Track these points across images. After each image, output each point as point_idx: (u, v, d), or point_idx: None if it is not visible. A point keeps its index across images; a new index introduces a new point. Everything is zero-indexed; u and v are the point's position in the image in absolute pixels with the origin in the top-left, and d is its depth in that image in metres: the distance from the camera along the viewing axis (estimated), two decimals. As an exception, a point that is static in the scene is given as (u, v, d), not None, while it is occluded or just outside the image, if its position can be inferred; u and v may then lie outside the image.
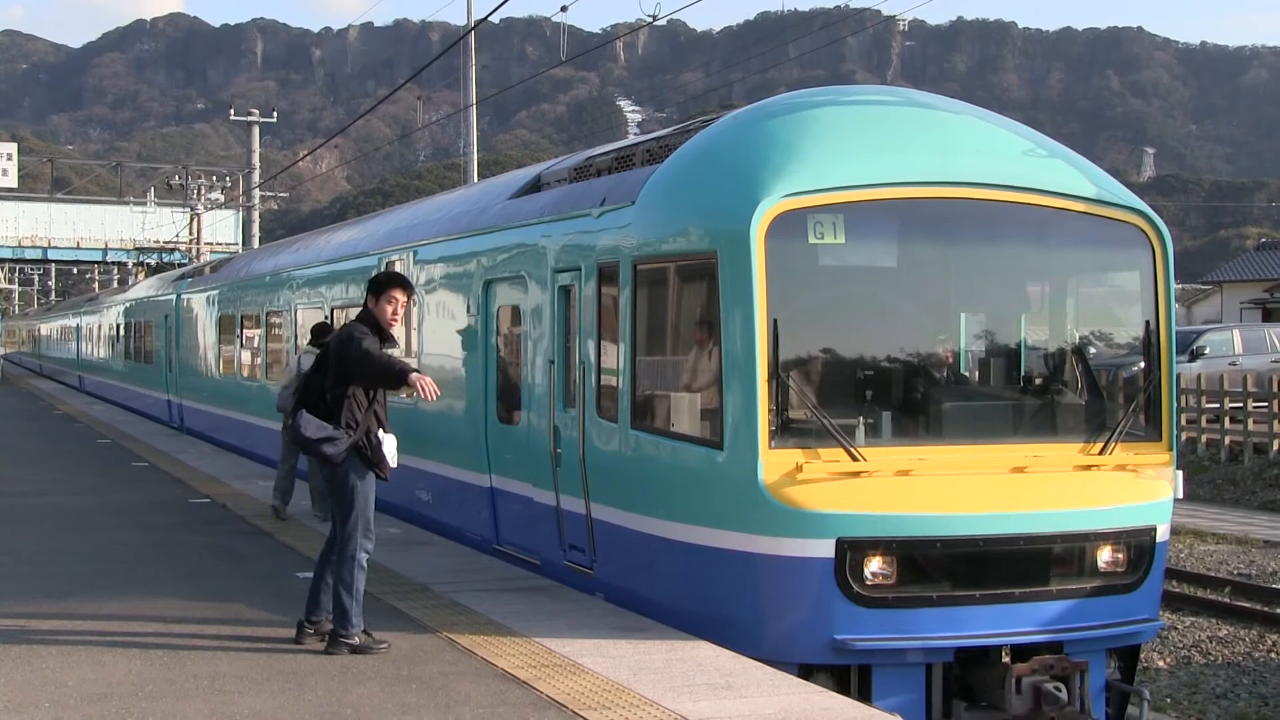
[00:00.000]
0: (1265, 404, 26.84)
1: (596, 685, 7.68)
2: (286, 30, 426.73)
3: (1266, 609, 15.98)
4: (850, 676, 8.49)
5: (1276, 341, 33.08)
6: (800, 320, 8.75)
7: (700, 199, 9.17)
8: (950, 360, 9.51)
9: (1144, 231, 9.35)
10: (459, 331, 12.81)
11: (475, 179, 30.20)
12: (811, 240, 8.65)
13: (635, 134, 26.08)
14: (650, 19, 18.14)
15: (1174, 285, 9.41)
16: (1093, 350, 9.71)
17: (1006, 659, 8.65)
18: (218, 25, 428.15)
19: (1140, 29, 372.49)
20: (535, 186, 12.24)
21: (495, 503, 11.91)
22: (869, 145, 9.06)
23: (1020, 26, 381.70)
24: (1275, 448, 26.35)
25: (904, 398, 8.96)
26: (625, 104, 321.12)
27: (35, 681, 7.81)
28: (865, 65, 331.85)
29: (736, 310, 8.54)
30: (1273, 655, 14.41)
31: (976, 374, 9.54)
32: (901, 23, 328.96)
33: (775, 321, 8.45)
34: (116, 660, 8.30)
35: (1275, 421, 26.45)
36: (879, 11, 30.57)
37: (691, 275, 9.24)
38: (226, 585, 10.88)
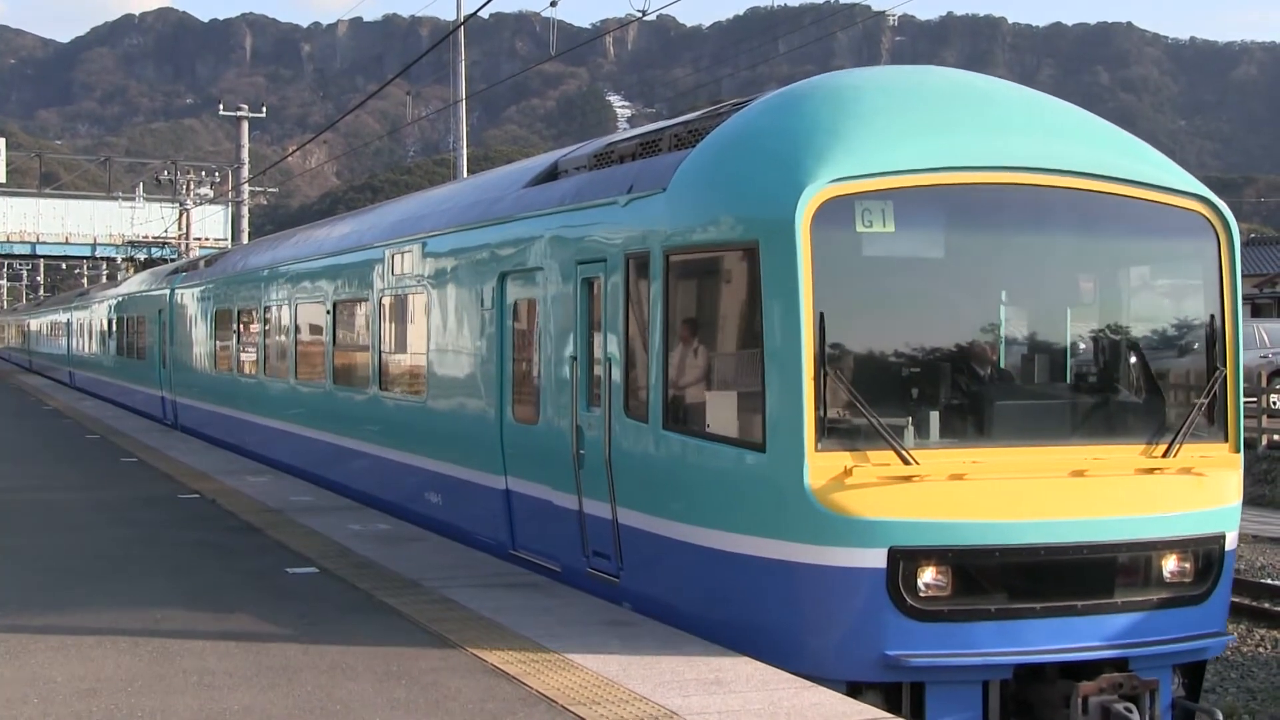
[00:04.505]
0: (1254, 399, 26.65)
1: (586, 680, 7.62)
2: (275, 25, 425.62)
3: (1254, 604, 15.75)
4: (902, 695, 7.96)
5: (1265, 337, 32.63)
6: (847, 314, 8.16)
7: (739, 185, 8.60)
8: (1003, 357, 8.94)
9: (1208, 219, 8.82)
10: (472, 326, 12.23)
11: (465, 174, 29.81)
12: (859, 229, 8.09)
13: (624, 129, 26.00)
14: (640, 14, 18.01)
15: (1240, 275, 8.86)
16: (1154, 345, 9.14)
17: (1066, 676, 8.10)
18: (206, 20, 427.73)
19: (1130, 24, 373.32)
20: (552, 175, 11.67)
21: (511, 506, 11.35)
22: (917, 127, 8.48)
23: (1010, 22, 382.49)
24: (1264, 443, 26.04)
25: (956, 396, 8.39)
26: (615, 99, 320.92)
27: (24, 677, 7.73)
28: (855, 61, 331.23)
29: (779, 303, 7.99)
30: (1260, 650, 14.25)
31: (1031, 371, 8.95)
32: (891, 18, 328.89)
33: (821, 315, 7.91)
34: (105, 656, 8.24)
35: (1263, 416, 26.28)
36: (868, 7, 30.25)
37: (730, 266, 8.67)
38: (216, 581, 10.82)
